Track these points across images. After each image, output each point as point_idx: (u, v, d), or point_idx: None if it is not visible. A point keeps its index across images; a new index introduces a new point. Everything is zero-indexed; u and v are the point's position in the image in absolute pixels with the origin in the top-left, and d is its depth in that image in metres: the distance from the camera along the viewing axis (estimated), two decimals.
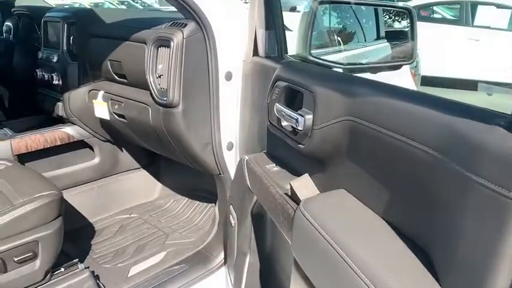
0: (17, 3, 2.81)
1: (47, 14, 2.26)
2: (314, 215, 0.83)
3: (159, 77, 1.60)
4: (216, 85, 1.56)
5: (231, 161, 1.73)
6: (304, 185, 0.96)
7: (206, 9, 1.50)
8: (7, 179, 1.66)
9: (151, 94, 1.65)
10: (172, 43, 1.52)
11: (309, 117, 0.93)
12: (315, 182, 0.98)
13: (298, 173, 1.08)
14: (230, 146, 1.70)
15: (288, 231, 0.94)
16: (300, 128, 0.95)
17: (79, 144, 2.18)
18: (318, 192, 0.96)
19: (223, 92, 1.59)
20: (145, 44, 1.64)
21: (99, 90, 1.96)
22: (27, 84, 2.43)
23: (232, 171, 1.75)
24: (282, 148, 1.17)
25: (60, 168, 2.12)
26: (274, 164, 1.19)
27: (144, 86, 1.70)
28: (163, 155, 1.99)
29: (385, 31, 1.79)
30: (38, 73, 2.23)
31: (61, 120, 2.20)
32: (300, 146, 0.97)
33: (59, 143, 2.08)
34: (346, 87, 0.88)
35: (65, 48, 2.09)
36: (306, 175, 1.00)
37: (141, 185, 2.40)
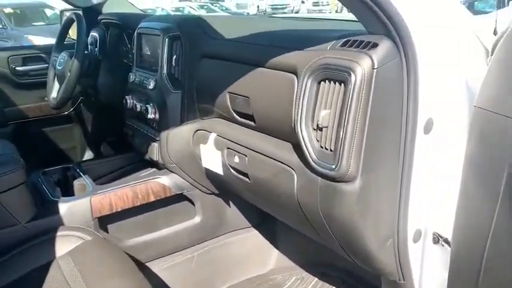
0: (104, 10, 2.33)
1: (142, 25, 1.72)
2: None
3: (320, 129, 0.99)
4: (411, 142, 0.96)
5: (416, 258, 1.09)
6: None
7: (410, 18, 0.88)
8: (82, 271, 1.14)
9: (298, 152, 1.06)
10: (352, 77, 0.90)
11: None
12: None
13: None
14: (417, 237, 1.07)
15: None
16: None
17: (177, 198, 1.63)
18: None
19: (419, 152, 0.97)
20: (296, 74, 1.04)
21: (210, 132, 1.39)
22: (114, 111, 1.93)
23: (416, 277, 1.10)
24: None
25: (152, 231, 1.58)
26: None
27: (285, 136, 1.12)
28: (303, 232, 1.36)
29: None
30: (128, 101, 1.69)
31: (155, 165, 1.66)
32: None
33: (152, 198, 1.55)
34: None
35: (165, 71, 1.52)
36: None
37: (251, 251, 1.80)
